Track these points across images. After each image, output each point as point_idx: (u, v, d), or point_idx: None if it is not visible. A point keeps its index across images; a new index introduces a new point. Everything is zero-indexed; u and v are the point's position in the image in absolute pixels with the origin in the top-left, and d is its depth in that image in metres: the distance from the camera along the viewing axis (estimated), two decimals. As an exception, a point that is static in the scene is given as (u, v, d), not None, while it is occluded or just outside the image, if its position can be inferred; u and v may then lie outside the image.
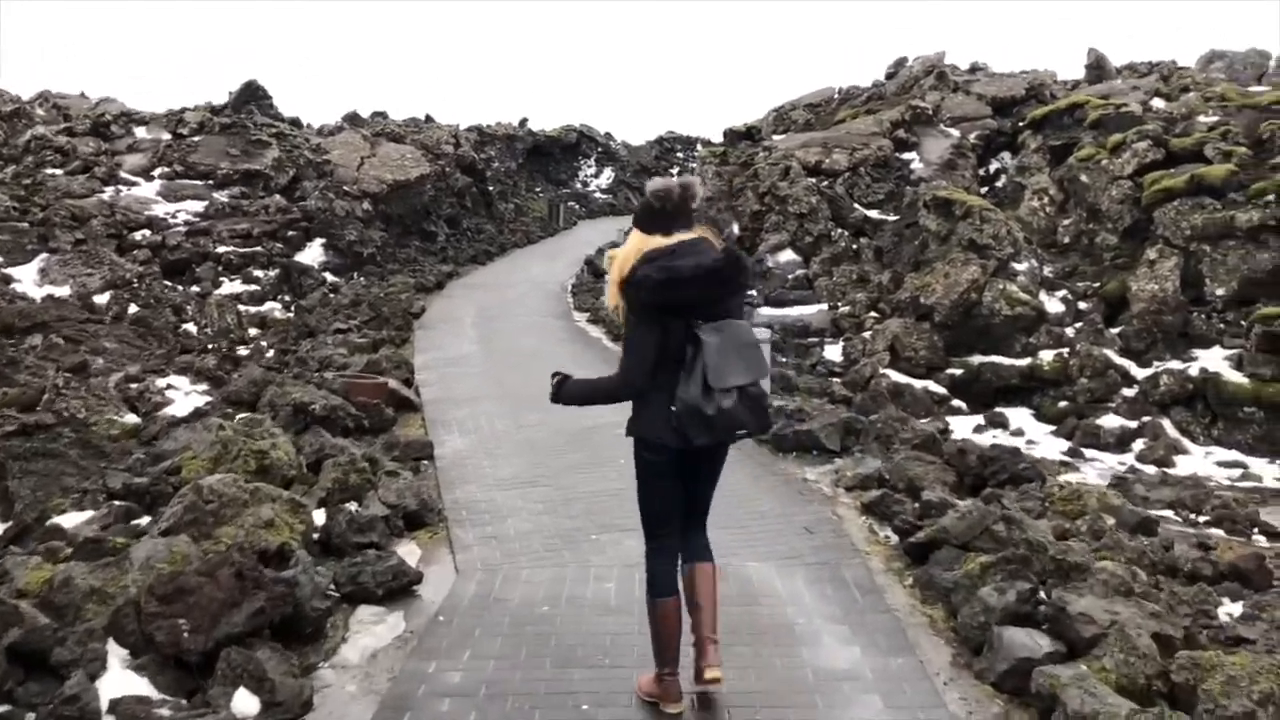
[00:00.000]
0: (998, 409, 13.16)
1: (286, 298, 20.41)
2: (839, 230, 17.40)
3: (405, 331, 15.76)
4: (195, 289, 19.79)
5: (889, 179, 18.99)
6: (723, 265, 4.01)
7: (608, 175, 54.67)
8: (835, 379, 13.84)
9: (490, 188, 37.17)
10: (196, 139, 24.93)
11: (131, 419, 9.73)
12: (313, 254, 22.08)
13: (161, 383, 10.39)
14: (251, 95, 30.64)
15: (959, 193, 16.14)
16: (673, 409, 3.97)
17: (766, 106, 30.64)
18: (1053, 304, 14.45)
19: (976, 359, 13.88)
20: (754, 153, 20.27)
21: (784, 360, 13.70)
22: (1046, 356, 13.63)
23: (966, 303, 14.04)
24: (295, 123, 31.75)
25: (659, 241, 4.08)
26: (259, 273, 20.71)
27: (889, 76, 28.22)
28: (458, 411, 10.45)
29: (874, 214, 18.12)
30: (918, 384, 13.53)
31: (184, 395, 10.22)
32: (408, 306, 18.10)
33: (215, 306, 17.37)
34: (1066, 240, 16.05)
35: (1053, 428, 12.69)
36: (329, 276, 21.77)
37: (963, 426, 12.62)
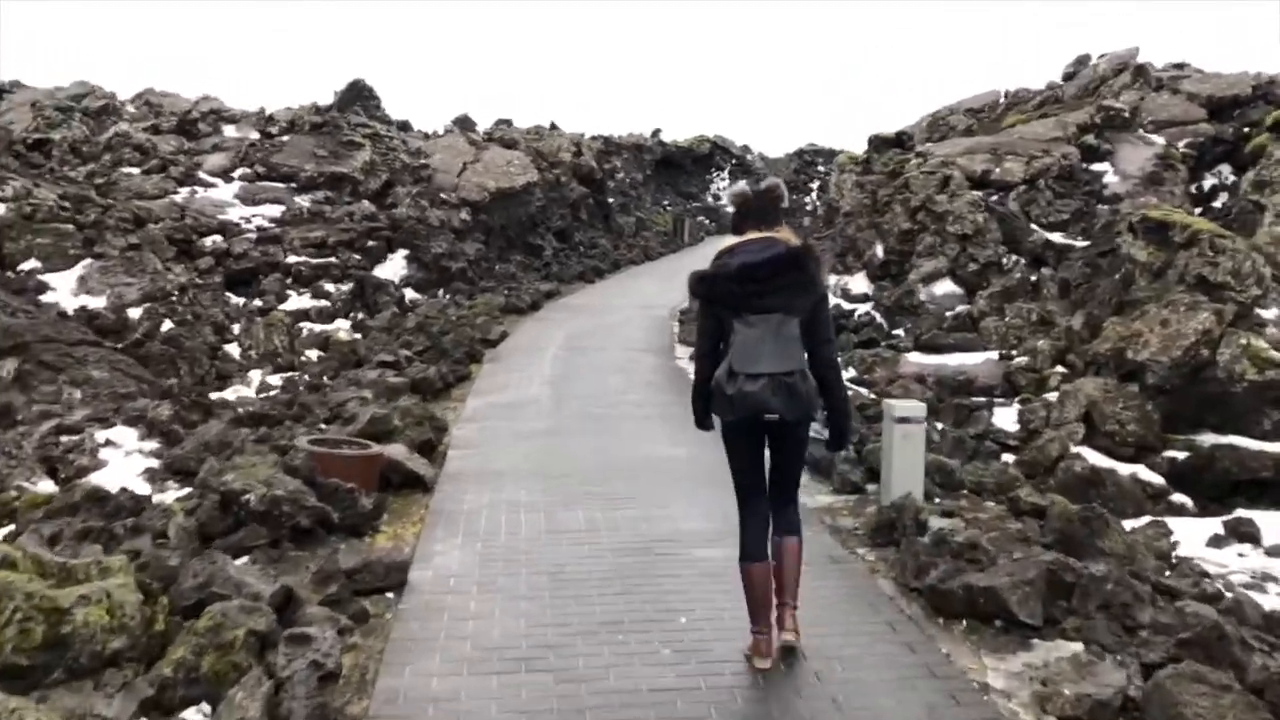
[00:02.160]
0: (1240, 512, 9.44)
1: (360, 315, 18.08)
2: (1012, 257, 13.84)
3: (467, 365, 13.00)
4: (258, 302, 17.64)
5: (1075, 195, 15.28)
6: (760, 261, 4.39)
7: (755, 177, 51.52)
8: (1007, 454, 10.38)
9: (610, 199, 34.57)
10: (285, 139, 23.01)
11: (47, 487, 7.22)
12: (393, 267, 19.72)
13: (102, 436, 7.90)
14: (358, 95, 28.84)
15: (1177, 213, 12.40)
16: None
17: (918, 116, 26.97)
18: (1314, 365, 10.60)
19: (1208, 438, 10.17)
20: (904, 160, 16.85)
21: (940, 429, 10.29)
22: (1310, 438, 9.85)
23: (1194, 361, 10.35)
24: (404, 126, 29.83)
25: (730, 240, 4.64)
26: (330, 286, 18.45)
27: (1067, 77, 24.22)
28: (479, 497, 7.51)
29: (1057, 237, 14.46)
30: (1124, 469, 9.91)
31: (124, 456, 7.70)
32: (483, 333, 15.40)
33: (264, 325, 15.02)
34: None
35: (1326, 544, 8.92)
36: (410, 293, 19.37)
37: (1191, 534, 8.97)
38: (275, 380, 14.02)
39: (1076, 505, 7.71)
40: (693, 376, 4.83)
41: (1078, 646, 4.92)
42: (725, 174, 52.61)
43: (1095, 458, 10.06)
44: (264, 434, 8.17)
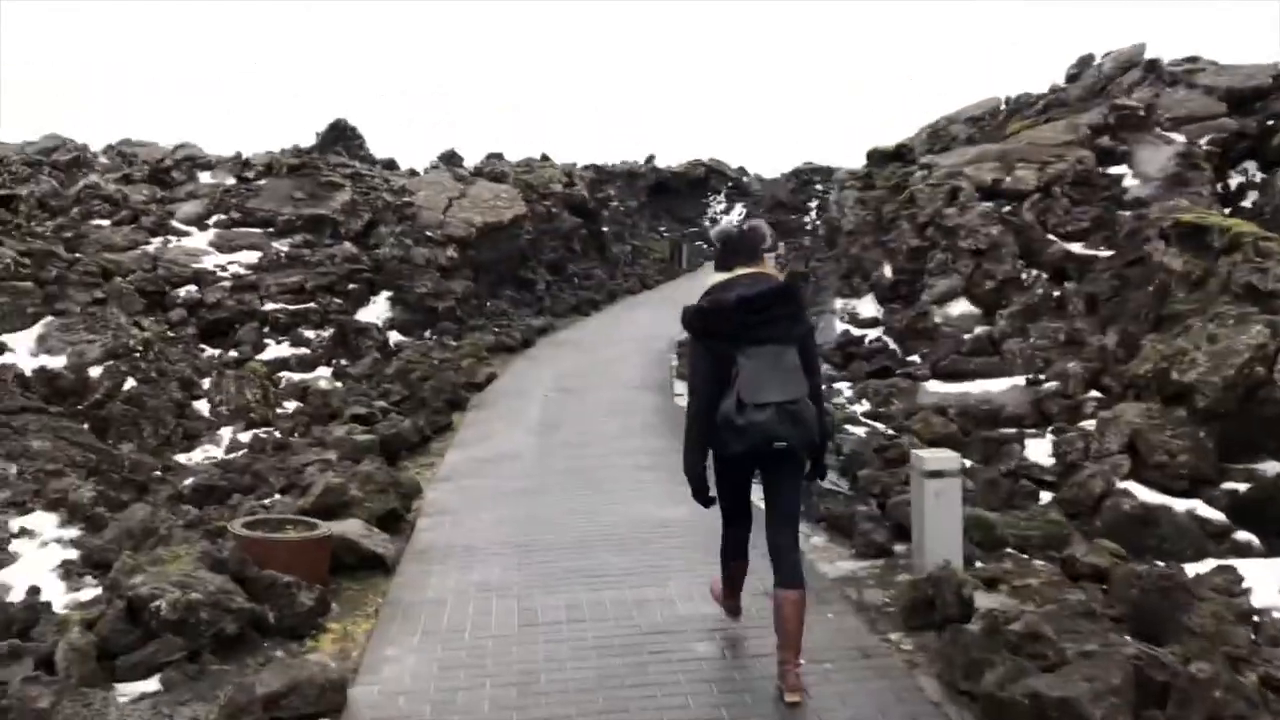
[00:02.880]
0: (1314, 548, 8.36)
1: (343, 362, 17.10)
2: (1032, 271, 12.83)
3: (448, 414, 11.98)
4: (234, 353, 16.67)
5: (1093, 201, 14.28)
6: (755, 295, 4.55)
7: (738, 212, 50.72)
8: (1044, 490, 9.34)
9: (604, 228, 33.68)
10: (262, 183, 22.13)
11: (-58, 592, 6.23)
12: (376, 310, 18.75)
13: (16, 524, 6.91)
14: (340, 135, 28.08)
15: (1212, 216, 11.41)
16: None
17: (915, 129, 26.04)
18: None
19: (1270, 466, 9.12)
20: (908, 173, 15.90)
21: (968, 465, 9.23)
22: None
23: (1248, 380, 9.31)
24: (389, 164, 29.01)
25: (720, 277, 4.78)
26: (310, 333, 17.47)
27: (1071, 78, 23.29)
28: (445, 579, 6.48)
29: (1078, 248, 13.45)
30: (1179, 505, 8.83)
31: (39, 547, 6.70)
32: (469, 376, 14.42)
33: (234, 379, 14.03)
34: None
35: None
36: (395, 335, 18.38)
37: (1262, 578, 7.89)
38: (246, 438, 13.03)
39: (1141, 564, 6.68)
40: (688, 407, 4.88)
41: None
42: (722, 197, 51.80)
43: (1145, 493, 9.00)
44: (197, 516, 7.16)
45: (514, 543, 7.19)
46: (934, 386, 11.75)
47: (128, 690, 4.81)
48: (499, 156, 36.99)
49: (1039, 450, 10.38)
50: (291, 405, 14.83)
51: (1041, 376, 11.32)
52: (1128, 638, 5.33)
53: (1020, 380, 11.46)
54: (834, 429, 9.32)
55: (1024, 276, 12.81)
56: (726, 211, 51.09)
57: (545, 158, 37.44)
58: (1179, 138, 15.60)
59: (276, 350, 16.97)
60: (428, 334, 18.80)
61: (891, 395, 11.55)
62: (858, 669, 4.97)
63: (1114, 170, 15.15)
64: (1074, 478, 9.24)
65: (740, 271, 4.73)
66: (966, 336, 12.52)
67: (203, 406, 14.04)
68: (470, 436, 11.19)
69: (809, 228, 48.50)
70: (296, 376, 16.17)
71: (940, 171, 14.79)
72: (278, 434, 12.33)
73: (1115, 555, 6.92)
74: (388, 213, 22.38)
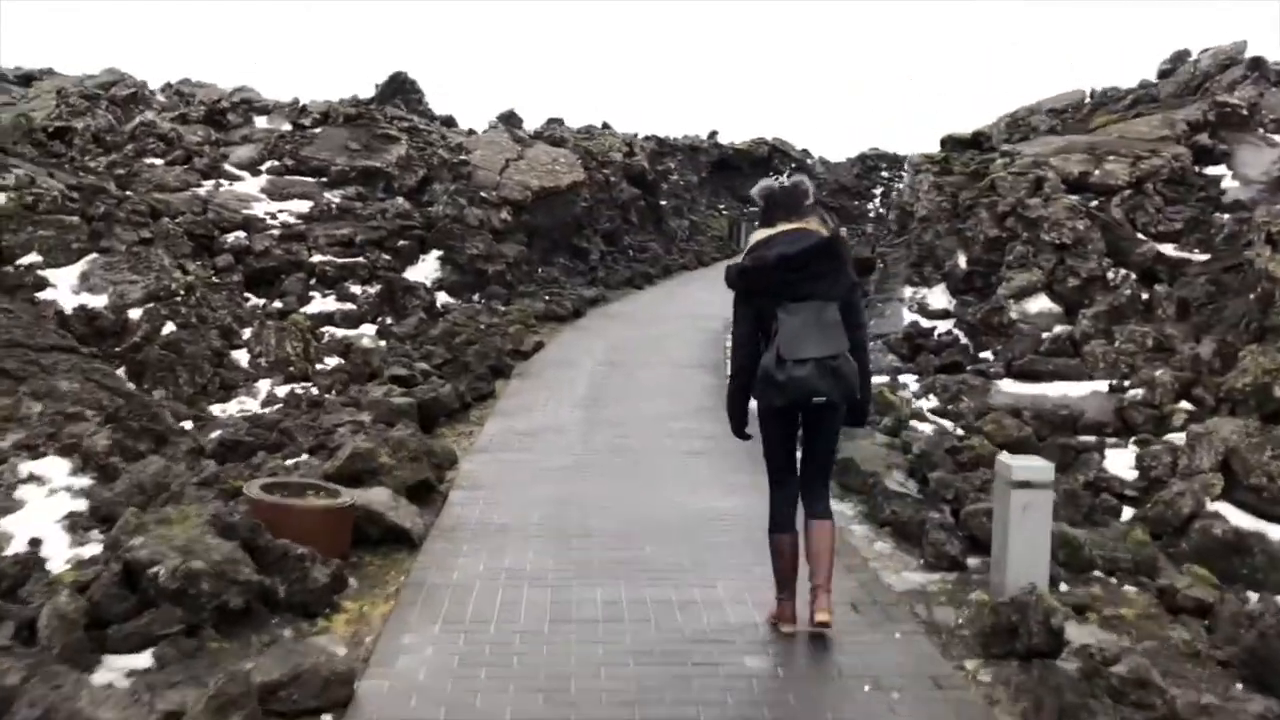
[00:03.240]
0: None
1: (388, 320, 16.69)
2: (1120, 271, 11.99)
3: (491, 381, 11.47)
4: (279, 304, 16.31)
5: (1188, 201, 13.38)
6: (796, 252, 4.56)
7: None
8: (1124, 505, 8.61)
9: (663, 201, 32.99)
10: (317, 131, 21.74)
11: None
12: (426, 269, 18.30)
13: (25, 469, 6.50)
14: (399, 88, 27.63)
15: (1326, 222, 10.50)
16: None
17: (987, 119, 24.96)
18: None
19: (1382, 497, 8.32)
20: (988, 160, 15.06)
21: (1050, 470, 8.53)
22: None
23: (1362, 401, 8.51)
24: (448, 121, 28.52)
25: (763, 233, 4.79)
26: (356, 288, 17.06)
27: (1163, 74, 22.13)
28: (475, 562, 5.95)
29: (1169, 249, 12.59)
30: (1275, 533, 8.09)
31: (47, 496, 6.27)
32: (515, 343, 13.91)
33: (275, 331, 13.64)
34: None
35: None
36: (443, 297, 17.93)
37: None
38: (283, 391, 12.65)
39: (1245, 597, 5.98)
40: (729, 369, 5.01)
41: None
42: (785, 178, 50.71)
43: (1238, 517, 8.23)
44: (214, 473, 6.69)
45: (551, 526, 6.65)
46: (1008, 386, 11.00)
47: (116, 664, 4.35)
48: (559, 122, 36.40)
49: (1120, 462, 9.63)
50: (333, 361, 14.44)
51: (1126, 383, 10.53)
52: (1239, 686, 4.70)
53: (1102, 386, 10.69)
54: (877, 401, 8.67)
55: (1111, 276, 11.98)
56: (787, 193, 49.99)
57: (606, 126, 36.80)
58: (1284, 139, 14.60)
59: (321, 304, 16.59)
60: (476, 297, 18.33)
61: (961, 392, 10.83)
62: (930, 700, 4.37)
63: (1211, 170, 14.22)
64: (1159, 495, 8.49)
65: (783, 228, 4.74)
66: (1045, 335, 11.74)
67: (241, 357, 13.67)
68: (512, 406, 10.67)
69: (872, 214, 47.46)
70: (340, 332, 15.78)
71: (1024, 160, 13.94)
72: (315, 390, 11.92)
73: (1216, 586, 6.23)
74: (443, 170, 21.90)
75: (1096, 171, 13.62)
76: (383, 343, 15.19)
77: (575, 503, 7.21)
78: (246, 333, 14.37)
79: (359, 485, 6.60)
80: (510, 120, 29.16)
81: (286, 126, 22.33)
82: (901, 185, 16.21)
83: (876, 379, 11.84)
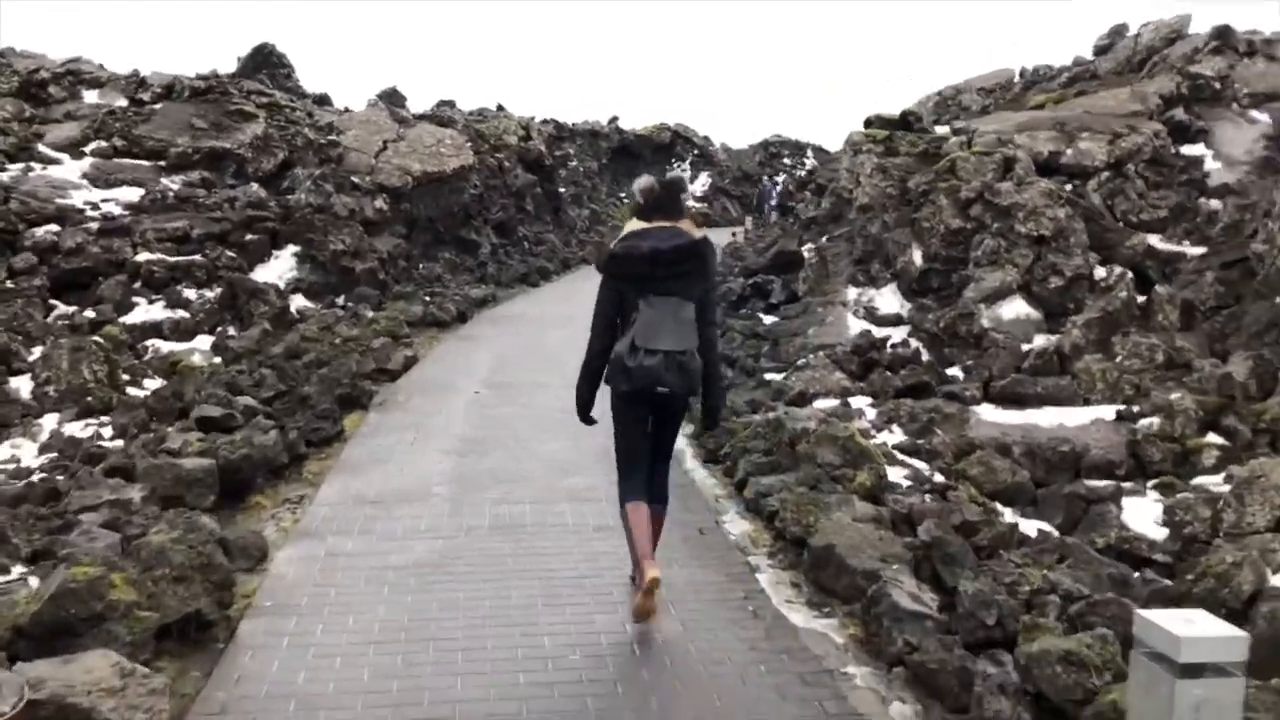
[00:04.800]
0: None
1: (230, 331, 13.88)
2: (1112, 270, 10.03)
3: (339, 419, 8.85)
4: (91, 314, 13.36)
5: (1173, 184, 11.54)
6: (668, 249, 4.73)
7: (704, 181, 47.77)
8: (1154, 574, 6.54)
9: (561, 189, 30.50)
10: (157, 107, 18.62)
11: None
12: (279, 267, 15.47)
13: None
14: (264, 62, 24.48)
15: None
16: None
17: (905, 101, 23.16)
18: None
19: None
20: (939, 139, 13.03)
21: (1050, 527, 6.36)
22: None
23: None
24: (321, 100, 25.49)
25: (638, 225, 4.89)
26: (191, 293, 14.19)
27: (1099, 50, 20.59)
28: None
29: (1155, 240, 10.70)
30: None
31: None
32: (380, 361, 11.31)
33: (69, 351, 10.76)
34: None
35: None
36: (299, 300, 15.15)
37: None
38: (78, 429, 9.86)
39: None
40: (589, 342, 5.00)
41: None
42: (687, 164, 48.75)
43: (1325, 601, 6.25)
44: None
45: (386, 699, 4.17)
46: (989, 414, 8.92)
47: None
48: (450, 104, 33.56)
49: (1142, 515, 7.61)
50: (154, 385, 11.66)
51: (1135, 409, 8.54)
52: None
53: (1105, 412, 8.68)
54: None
55: (1102, 274, 10.02)
56: (691, 181, 48.08)
57: (501, 108, 34.05)
58: (1263, 117, 12.91)
59: (146, 312, 13.69)
60: (341, 300, 15.61)
61: (933, 422, 8.70)
62: None
63: (1189, 150, 12.45)
64: (1204, 564, 6.42)
65: (659, 223, 4.87)
66: (1026, 347, 9.70)
67: (24, 385, 10.80)
68: (363, 454, 8.10)
69: (774, 202, 45.73)
70: (168, 347, 12.97)
71: (986, 138, 11.91)
72: (107, 434, 9.17)
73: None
74: (308, 152, 19.02)
75: (1069, 150, 11.69)
76: (218, 359, 12.43)
77: (434, 639, 4.75)
78: (37, 351, 11.46)
79: (73, 641, 4.05)
80: (392, 99, 26.24)
81: (122, 102, 19.13)
82: (842, 166, 14.08)
83: (824, 403, 9.66)
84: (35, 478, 7.45)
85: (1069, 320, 9.58)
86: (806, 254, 14.24)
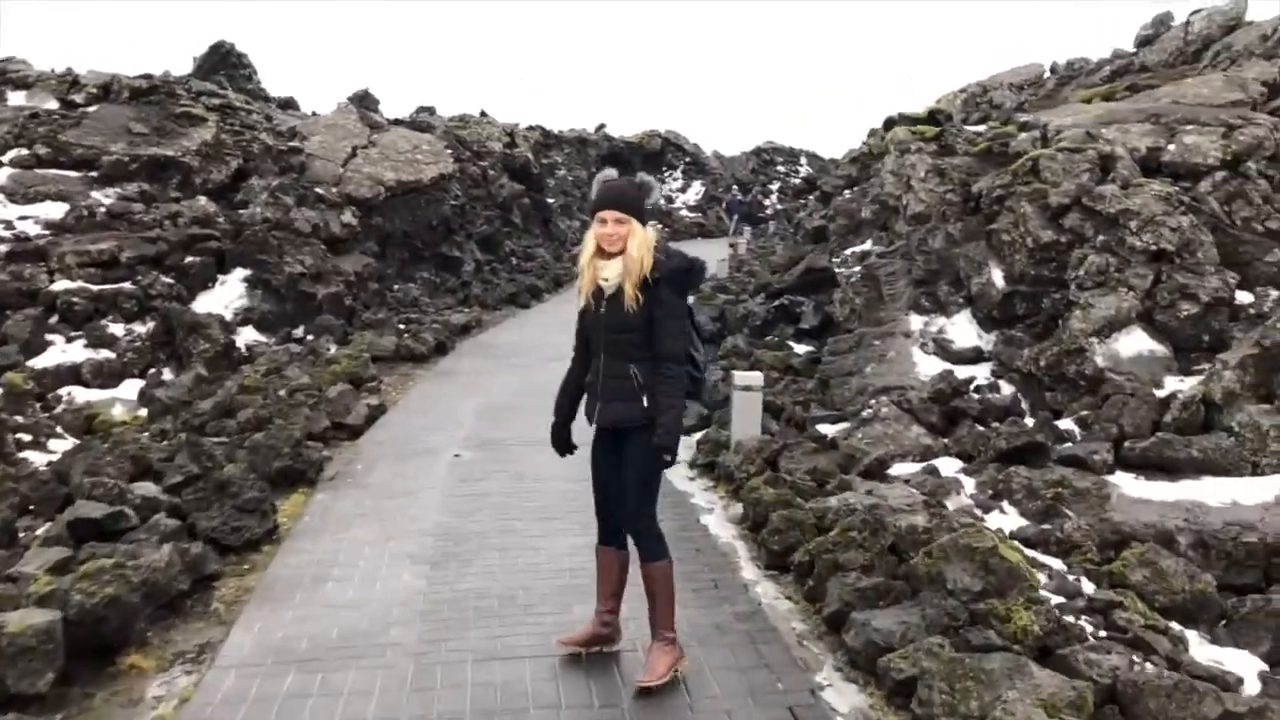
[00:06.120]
0: None
1: (164, 373, 11.73)
2: (1270, 292, 7.95)
3: (270, 512, 6.64)
4: (-5, 354, 11.16)
5: (1299, 186, 9.48)
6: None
7: (696, 190, 45.78)
8: None
9: (550, 199, 28.39)
10: (91, 109, 16.42)
11: None
12: (225, 295, 13.30)
13: None
14: (220, 62, 22.30)
15: None
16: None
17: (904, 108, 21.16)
18: None
19: None
20: (1005, 134, 10.95)
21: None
22: None
23: None
24: (286, 104, 23.33)
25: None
26: (118, 328, 12.01)
27: (1144, 42, 18.64)
28: None
29: (1295, 256, 8.61)
30: None
31: None
32: (334, 414, 9.13)
33: (-57, 408, 8.57)
34: None
35: None
36: (249, 334, 12.99)
37: None
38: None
39: None
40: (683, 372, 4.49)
41: None
42: (679, 172, 46.78)
43: None
44: None
45: None
46: (1128, 485, 6.80)
47: None
48: (430, 110, 31.46)
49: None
50: (65, 444, 9.50)
51: (1334, 483, 6.45)
52: None
53: (1286, 485, 6.59)
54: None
55: (1248, 299, 7.94)
56: (683, 189, 46.09)
57: (484, 114, 31.92)
58: (1385, 104, 10.86)
59: (63, 353, 11.52)
60: (300, 332, 13.43)
61: (1060, 499, 6.60)
62: None
63: (1304, 145, 10.39)
64: None
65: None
66: (1159, 393, 7.60)
67: (-117, 453, 8.60)
68: (297, 568, 5.92)
69: (769, 210, 43.72)
70: (85, 395, 10.81)
71: (1073, 131, 9.84)
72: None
73: None
74: (265, 160, 16.85)
75: (1170, 146, 9.62)
76: (144, 411, 10.28)
77: None
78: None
79: None
80: (364, 102, 24.07)
81: (51, 104, 16.92)
82: (885, 169, 11.97)
83: (902, 466, 7.56)
84: None
85: (1215, 359, 7.49)
86: (843, 272, 12.15)
